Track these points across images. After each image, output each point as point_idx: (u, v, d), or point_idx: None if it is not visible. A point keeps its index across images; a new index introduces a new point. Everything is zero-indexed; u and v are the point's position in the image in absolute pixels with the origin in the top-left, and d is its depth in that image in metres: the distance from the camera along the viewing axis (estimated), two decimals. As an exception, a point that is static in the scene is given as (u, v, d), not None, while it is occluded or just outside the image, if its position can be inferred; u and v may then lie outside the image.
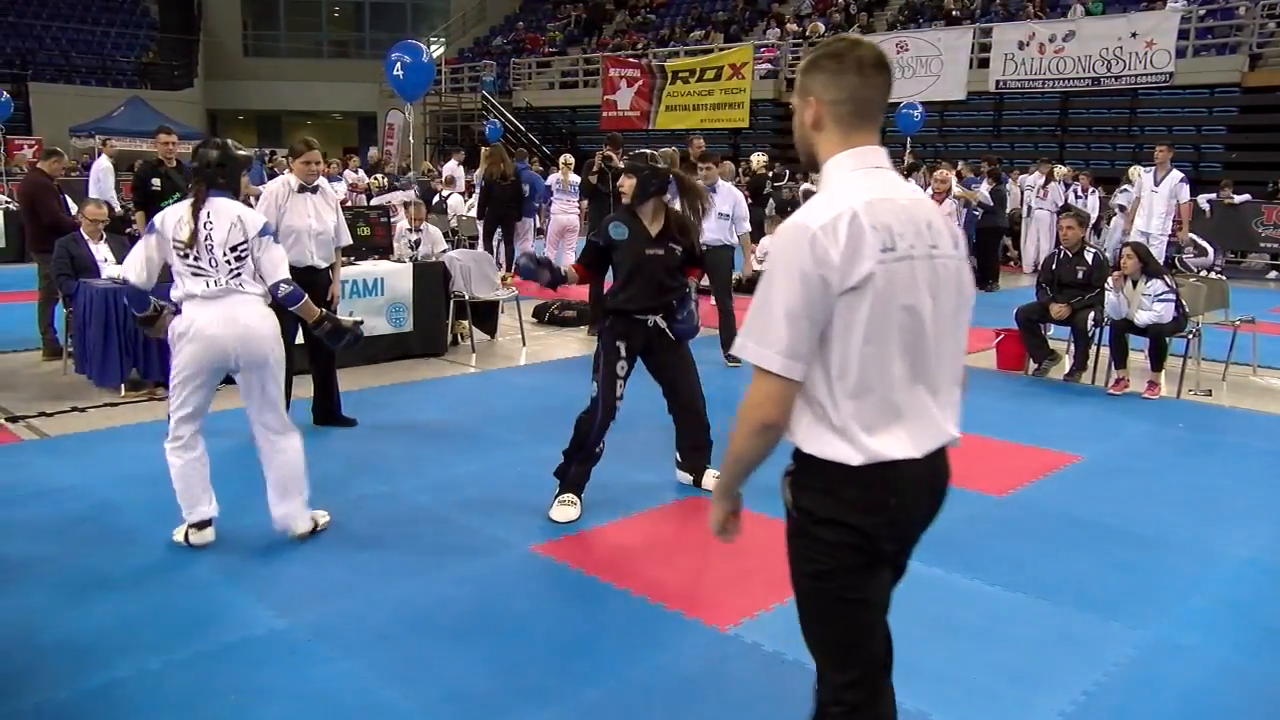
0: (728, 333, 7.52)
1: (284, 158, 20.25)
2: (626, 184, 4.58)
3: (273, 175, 16.62)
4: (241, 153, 4.21)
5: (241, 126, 33.08)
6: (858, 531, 1.94)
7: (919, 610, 3.66)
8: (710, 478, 4.89)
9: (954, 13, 20.30)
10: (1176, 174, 10.45)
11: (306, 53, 32.59)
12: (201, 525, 4.11)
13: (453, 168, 15.92)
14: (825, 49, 2.04)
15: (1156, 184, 10.38)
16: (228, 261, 4.00)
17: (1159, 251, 10.57)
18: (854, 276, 1.82)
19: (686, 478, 5.01)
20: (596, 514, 4.53)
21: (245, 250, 4.02)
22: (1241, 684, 3.17)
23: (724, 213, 7.40)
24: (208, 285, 4.00)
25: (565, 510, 4.49)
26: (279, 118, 33.22)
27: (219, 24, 31.26)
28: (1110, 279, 7.13)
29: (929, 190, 10.32)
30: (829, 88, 2.01)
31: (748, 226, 7.75)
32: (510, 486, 4.94)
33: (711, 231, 7.05)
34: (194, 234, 3.98)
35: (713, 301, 7.91)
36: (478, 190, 12.11)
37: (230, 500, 4.62)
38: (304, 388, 5.80)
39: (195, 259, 3.99)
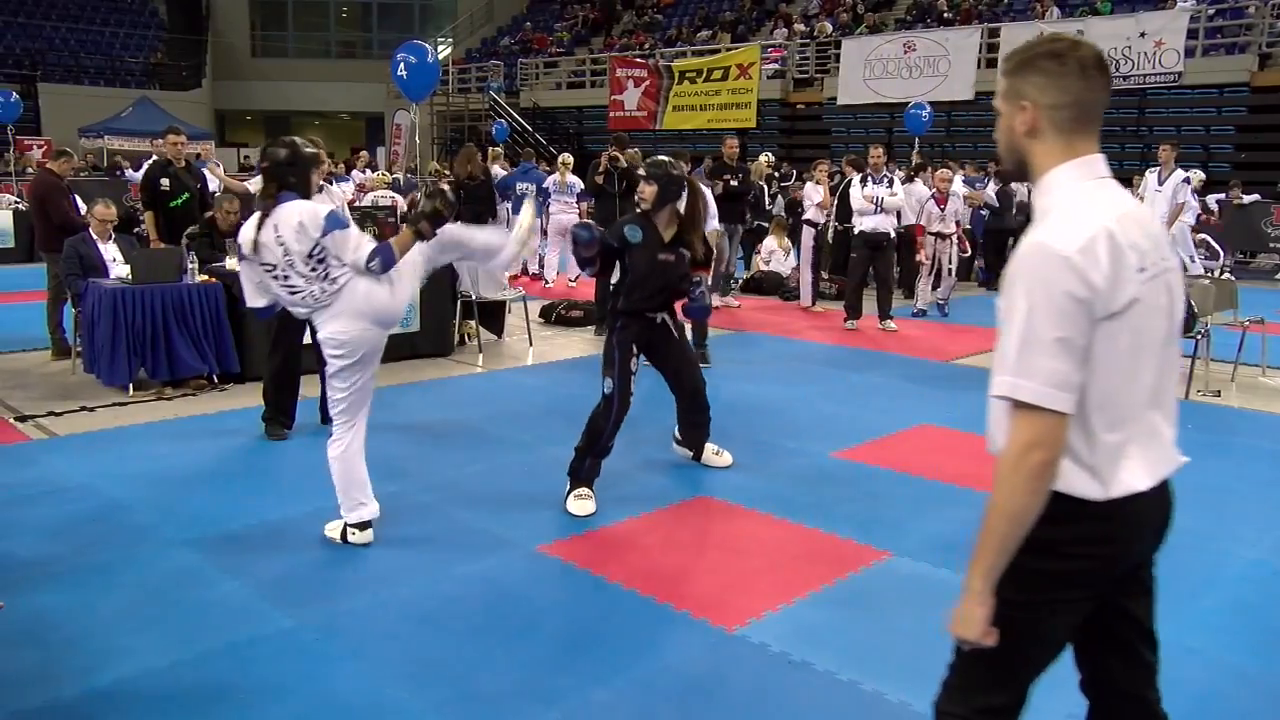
0: (697, 332, 7.63)
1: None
2: (648, 191, 4.68)
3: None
4: (309, 150, 4.14)
5: (249, 127, 33.19)
6: (1080, 565, 1.82)
7: (930, 612, 3.65)
8: (710, 452, 5.26)
9: (961, 7, 20.25)
10: (1180, 173, 10.39)
11: (314, 53, 32.66)
12: (363, 526, 4.13)
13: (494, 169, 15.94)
14: (1042, 47, 1.87)
15: (1160, 184, 10.34)
16: (313, 270, 3.91)
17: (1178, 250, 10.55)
18: (1118, 301, 1.72)
19: (685, 453, 5.31)
20: (603, 513, 4.53)
21: (322, 252, 3.90)
22: (1251, 687, 3.16)
23: None
24: (294, 294, 3.96)
25: (584, 504, 4.55)
26: (287, 118, 33.28)
27: (227, 25, 31.35)
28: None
29: (932, 191, 10.32)
30: (1048, 91, 1.84)
31: (715, 225, 8.04)
32: (517, 486, 4.94)
33: None
34: (257, 243, 3.93)
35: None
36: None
37: (239, 500, 4.65)
38: (311, 387, 5.80)
39: (285, 278, 3.94)
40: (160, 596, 3.63)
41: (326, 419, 5.79)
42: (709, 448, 5.25)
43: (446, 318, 7.99)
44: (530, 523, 4.40)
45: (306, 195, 4.07)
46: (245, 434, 5.68)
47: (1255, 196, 14.60)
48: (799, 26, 22.65)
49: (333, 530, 4.19)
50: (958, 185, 12.42)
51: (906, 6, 21.97)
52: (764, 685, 3.12)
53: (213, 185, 9.26)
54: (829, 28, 21.87)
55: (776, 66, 21.55)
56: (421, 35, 26.56)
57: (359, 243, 3.92)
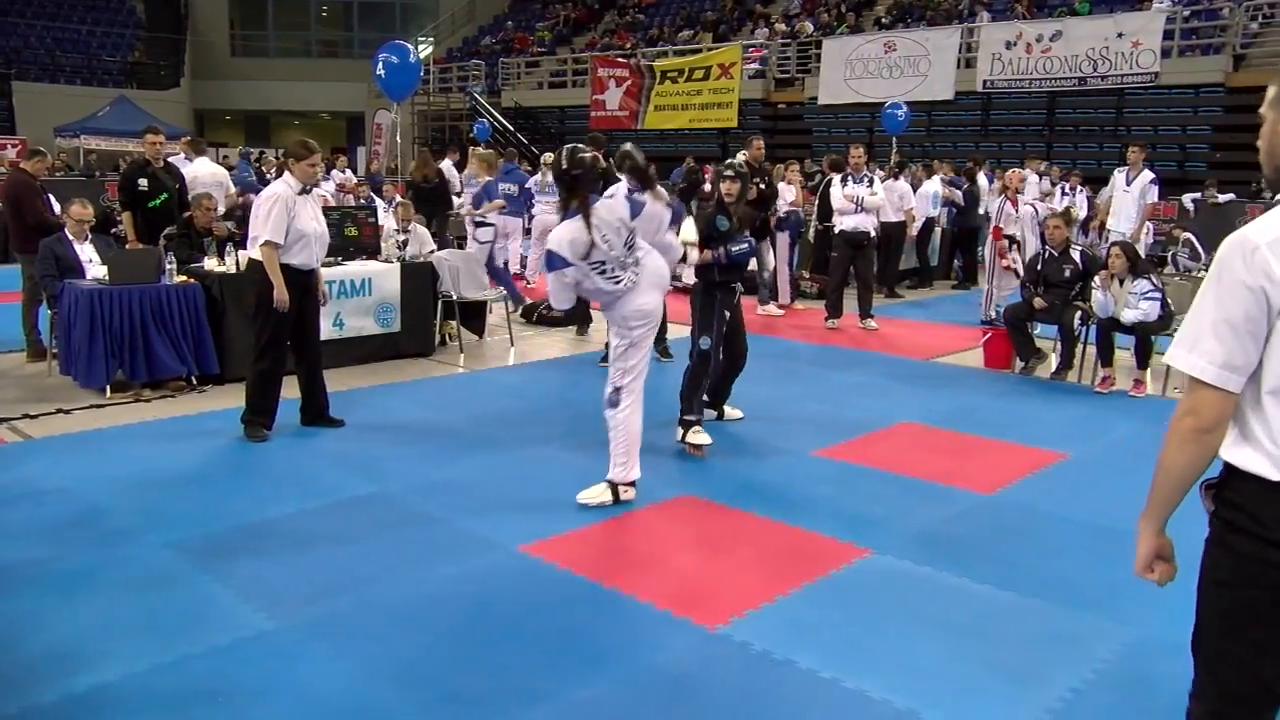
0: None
1: (276, 158, 20.17)
2: (733, 188, 5.74)
3: (260, 176, 16.58)
4: (586, 154, 4.61)
5: (229, 126, 32.97)
6: (1272, 547, 1.80)
7: (910, 608, 3.67)
8: (729, 411, 6.16)
9: (941, 7, 20.35)
10: (1148, 174, 10.50)
11: (295, 52, 32.45)
12: (633, 484, 4.71)
13: (448, 168, 15.84)
14: None
15: (1128, 184, 10.45)
16: (629, 256, 4.58)
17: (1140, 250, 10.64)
18: None
19: (711, 414, 5.92)
20: (584, 514, 4.53)
21: (632, 238, 4.58)
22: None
23: None
24: (617, 284, 4.56)
25: (702, 435, 5.46)
26: (267, 118, 33.09)
27: (206, 23, 31.12)
28: (1098, 277, 7.17)
29: (999, 191, 10.33)
30: None
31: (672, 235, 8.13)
32: (499, 487, 4.93)
33: None
34: (592, 245, 4.43)
35: None
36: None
37: (219, 502, 4.62)
38: (290, 388, 5.78)
39: (611, 271, 4.54)
40: (140, 600, 3.60)
41: (310, 420, 5.80)
42: (727, 409, 6.16)
43: (428, 318, 7.97)
44: (513, 523, 4.39)
45: (598, 195, 4.61)
46: (225, 435, 5.64)
47: (1230, 196, 14.73)
48: (780, 26, 22.69)
49: (594, 496, 4.64)
50: (935, 184, 12.51)
51: (887, 6, 22.05)
52: (746, 684, 3.13)
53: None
54: (810, 28, 21.92)
55: (758, 66, 21.59)
56: (403, 35, 26.41)
57: (661, 218, 4.76)
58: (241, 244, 7.01)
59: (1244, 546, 1.83)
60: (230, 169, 12.97)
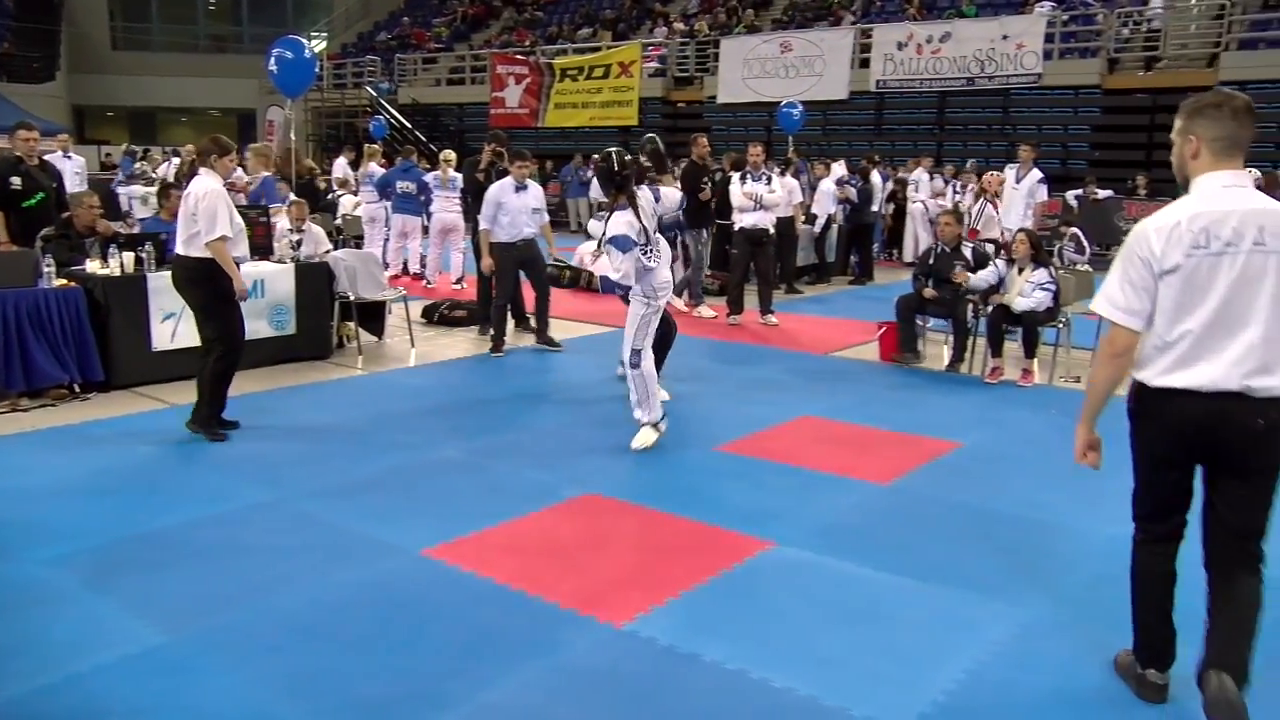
0: (543, 317, 8.29)
1: (164, 154, 19.41)
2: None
3: (143, 175, 15.93)
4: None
5: (111, 123, 31.66)
6: (1159, 422, 2.88)
7: (811, 598, 3.74)
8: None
9: (834, 9, 20.76)
10: (1037, 173, 10.93)
11: (181, 47, 31.32)
12: (658, 424, 5.56)
13: (341, 165, 15.45)
14: (1209, 99, 2.79)
15: (1018, 181, 10.86)
16: (657, 235, 5.58)
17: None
18: (1167, 265, 2.71)
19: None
20: (487, 515, 4.49)
21: (655, 219, 5.56)
22: (1110, 658, 3.33)
23: (536, 208, 8.09)
24: (649, 259, 5.45)
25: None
26: (153, 114, 31.89)
27: (82, 14, 29.76)
28: (999, 259, 7.44)
29: (977, 192, 10.35)
30: (1210, 128, 2.74)
31: (546, 218, 8.38)
32: (400, 490, 4.85)
33: (530, 226, 8.03)
34: (643, 229, 5.40)
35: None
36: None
37: (106, 513, 4.43)
38: (185, 394, 5.59)
39: (652, 249, 5.50)
40: (21, 619, 3.44)
41: (198, 424, 5.62)
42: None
43: (324, 319, 7.78)
44: (415, 527, 4.33)
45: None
46: (111, 444, 5.42)
47: (1109, 192, 15.39)
48: (678, 25, 22.84)
49: (645, 440, 5.50)
50: (829, 184, 12.78)
51: (783, 7, 22.40)
52: (654, 679, 3.15)
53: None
54: (708, 27, 22.13)
55: (657, 65, 21.71)
56: (295, 29, 25.76)
57: (675, 199, 5.94)
58: (127, 245, 6.75)
59: (1149, 422, 2.90)
60: (112, 167, 12.41)
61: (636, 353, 5.52)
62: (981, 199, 10.20)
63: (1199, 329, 2.70)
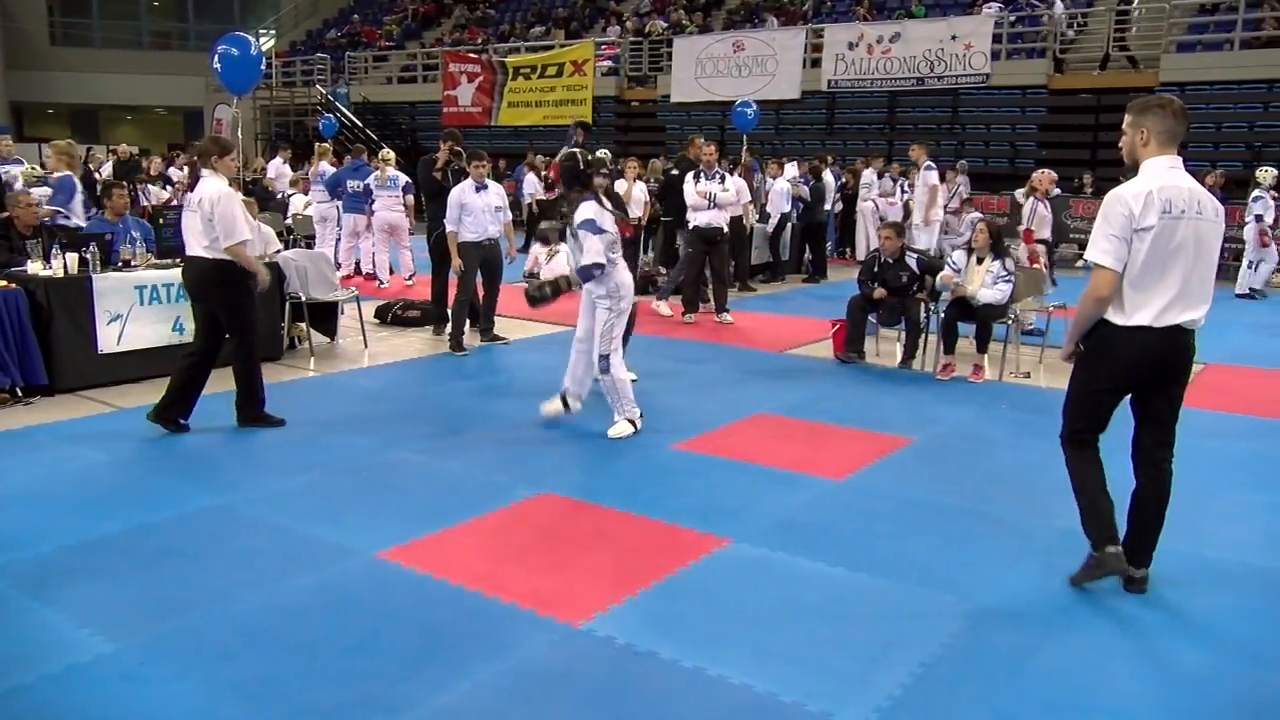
0: (489, 314, 8.47)
1: (111, 153, 18.98)
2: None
3: (89, 175, 15.58)
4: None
5: (52, 121, 30.95)
6: (1111, 355, 3.65)
7: (767, 594, 3.76)
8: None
9: (787, 9, 20.90)
10: (929, 164, 11.75)
11: (124, 43, 30.72)
12: (634, 420, 5.80)
13: (277, 165, 15.21)
14: (1154, 100, 3.61)
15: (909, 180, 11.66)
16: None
17: (929, 241, 11.67)
18: (1144, 224, 3.46)
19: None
20: (444, 516, 4.46)
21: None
22: (1063, 646, 3.40)
23: (499, 205, 8.16)
24: (614, 257, 5.69)
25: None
26: (95, 112, 31.22)
27: (20, 8, 29.04)
28: (956, 255, 7.51)
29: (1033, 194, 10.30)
30: (1157, 123, 3.55)
31: (509, 215, 8.44)
32: (354, 492, 4.80)
33: (494, 225, 8.09)
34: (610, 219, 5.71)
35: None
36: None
37: (49, 520, 4.34)
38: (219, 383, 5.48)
39: (611, 241, 5.66)
40: (-40, 629, 3.35)
41: (250, 419, 5.76)
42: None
43: (275, 320, 7.67)
44: (369, 529, 4.29)
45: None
46: (56, 449, 5.31)
47: (1057, 191, 15.66)
48: (631, 24, 22.85)
49: (621, 430, 5.72)
50: (783, 183, 12.88)
51: (734, 7, 22.49)
52: (611, 679, 3.15)
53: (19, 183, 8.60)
54: (661, 25, 22.16)
55: (610, 64, 21.70)
56: (242, 26, 25.37)
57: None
58: (71, 247, 6.61)
59: (1113, 356, 3.63)
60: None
61: (605, 359, 5.70)
62: (1031, 198, 9.58)
63: (1160, 278, 3.48)
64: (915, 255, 8.10)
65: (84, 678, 3.07)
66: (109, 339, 6.60)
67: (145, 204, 11.15)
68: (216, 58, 8.12)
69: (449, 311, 8.34)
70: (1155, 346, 3.55)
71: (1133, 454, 3.77)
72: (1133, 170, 3.64)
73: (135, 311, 6.73)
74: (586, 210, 5.61)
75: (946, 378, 7.41)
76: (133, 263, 6.97)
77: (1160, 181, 3.47)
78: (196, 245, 5.52)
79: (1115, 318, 3.55)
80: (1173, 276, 3.49)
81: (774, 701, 3.01)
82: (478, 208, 7.93)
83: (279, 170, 14.88)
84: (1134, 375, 3.63)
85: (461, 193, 7.97)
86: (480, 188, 7.98)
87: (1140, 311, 3.51)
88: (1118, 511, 3.76)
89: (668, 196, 10.59)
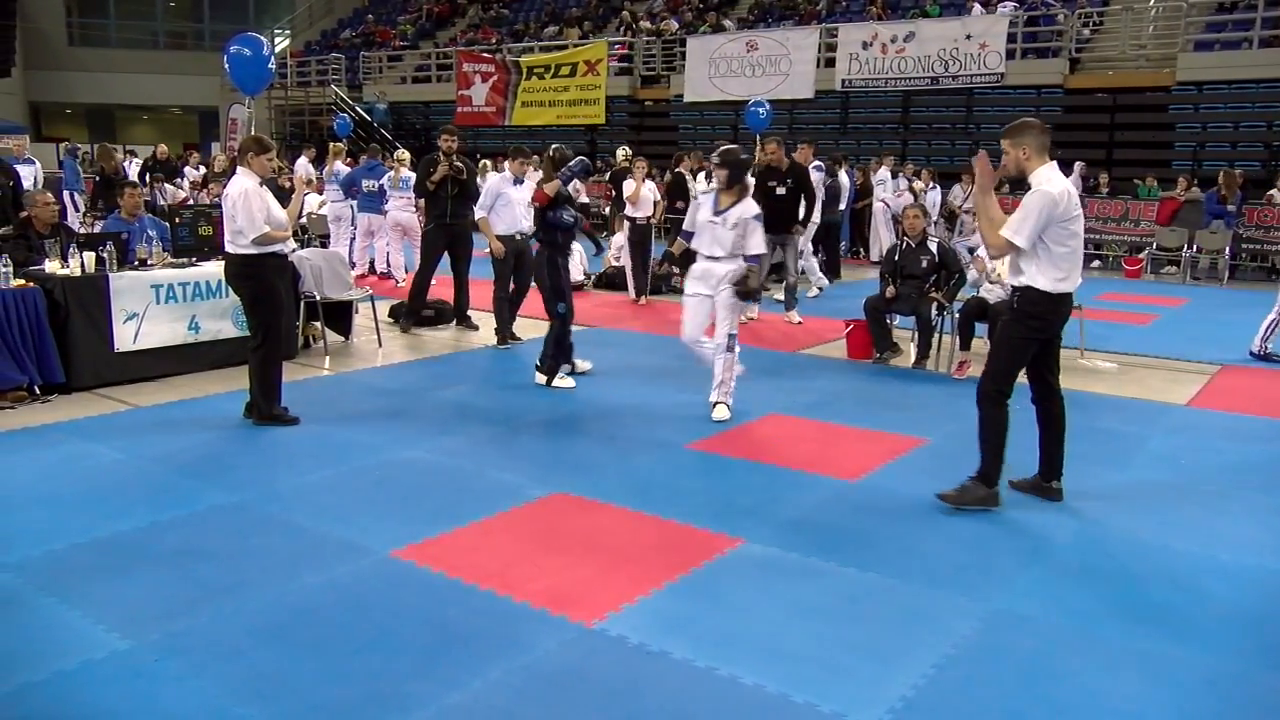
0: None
1: (126, 152, 19.12)
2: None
3: (103, 173, 15.67)
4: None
5: (69, 121, 31.19)
6: (1034, 318, 4.59)
7: (779, 595, 3.75)
8: (579, 363, 7.24)
9: (800, 9, 20.86)
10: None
11: (140, 43, 30.91)
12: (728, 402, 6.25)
13: (303, 165, 15.30)
14: (1022, 122, 4.52)
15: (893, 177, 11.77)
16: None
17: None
18: (1068, 216, 4.39)
19: (565, 367, 7.02)
20: (456, 515, 4.47)
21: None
22: (1074, 648, 3.38)
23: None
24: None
25: (566, 381, 6.89)
26: (111, 112, 31.43)
27: (38, 9, 29.25)
28: (973, 260, 7.47)
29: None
30: (1033, 140, 4.46)
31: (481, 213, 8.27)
32: (367, 491, 4.81)
33: (526, 219, 7.96)
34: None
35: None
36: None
37: (64, 518, 4.37)
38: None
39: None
40: (-24, 625, 3.38)
41: (264, 417, 5.80)
42: (577, 361, 7.16)
43: (290, 319, 7.69)
44: (382, 528, 4.30)
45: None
46: (71, 447, 5.34)
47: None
48: (645, 24, 22.84)
49: (723, 414, 6.10)
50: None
51: (749, 6, 22.45)
52: (623, 677, 3.14)
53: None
54: (675, 25, 22.13)
55: (621, 64, 21.68)
56: (257, 26, 25.50)
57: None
58: (88, 246, 6.66)
59: (1045, 318, 4.58)
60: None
61: (732, 338, 6.14)
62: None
63: (1075, 255, 4.47)
64: (937, 242, 8.06)
65: (98, 674, 3.09)
66: (125, 337, 6.64)
67: (162, 203, 11.22)
68: (228, 58, 8.14)
69: (419, 306, 8.94)
70: (1069, 304, 4.59)
71: (1036, 390, 4.80)
72: (1019, 183, 4.62)
73: (151, 310, 6.77)
74: (752, 206, 6.03)
75: (962, 376, 7.38)
76: (149, 262, 7.01)
77: (1063, 184, 4.42)
78: (226, 241, 5.71)
79: (1051, 287, 4.44)
80: (1079, 252, 4.51)
81: (786, 702, 3.01)
82: (513, 200, 7.99)
83: (307, 170, 14.95)
84: (1055, 327, 4.62)
85: (501, 182, 8.04)
86: (518, 181, 8.04)
87: (1066, 280, 4.46)
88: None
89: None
